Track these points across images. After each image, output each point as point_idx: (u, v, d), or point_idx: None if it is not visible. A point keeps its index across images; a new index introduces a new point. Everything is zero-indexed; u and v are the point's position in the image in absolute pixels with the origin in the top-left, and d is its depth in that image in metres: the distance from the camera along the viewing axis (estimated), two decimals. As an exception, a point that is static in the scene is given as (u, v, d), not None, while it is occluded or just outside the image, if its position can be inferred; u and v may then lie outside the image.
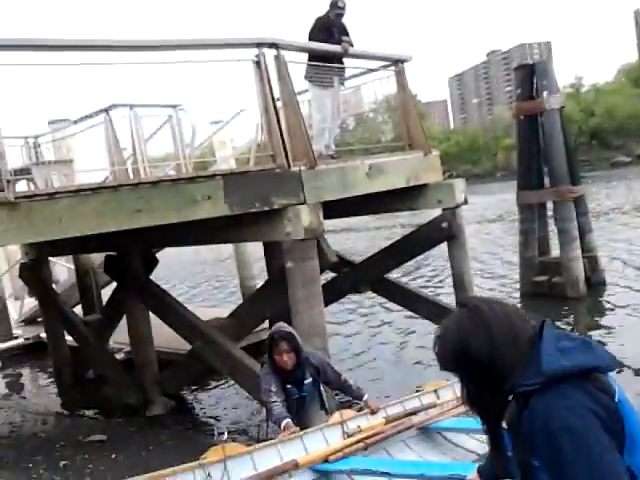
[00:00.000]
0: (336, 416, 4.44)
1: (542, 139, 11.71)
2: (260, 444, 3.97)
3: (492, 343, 1.42)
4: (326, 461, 3.93)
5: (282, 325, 4.63)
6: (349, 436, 4.25)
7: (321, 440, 4.21)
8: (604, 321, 10.04)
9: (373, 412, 4.62)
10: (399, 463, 4.13)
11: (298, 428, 4.19)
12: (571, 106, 55.42)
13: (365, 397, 4.74)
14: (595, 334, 9.36)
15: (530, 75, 11.67)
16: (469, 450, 4.54)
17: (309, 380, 4.60)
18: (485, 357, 1.42)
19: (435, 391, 5.12)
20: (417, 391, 5.26)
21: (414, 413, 4.69)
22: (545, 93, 11.34)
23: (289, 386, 4.55)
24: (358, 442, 4.13)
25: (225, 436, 3.55)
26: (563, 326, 9.75)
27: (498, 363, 1.42)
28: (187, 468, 3.45)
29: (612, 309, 10.49)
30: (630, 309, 10.12)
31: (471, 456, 4.44)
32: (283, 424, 4.22)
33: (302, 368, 4.55)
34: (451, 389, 5.07)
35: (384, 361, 9.09)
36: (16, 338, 12.24)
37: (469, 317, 1.49)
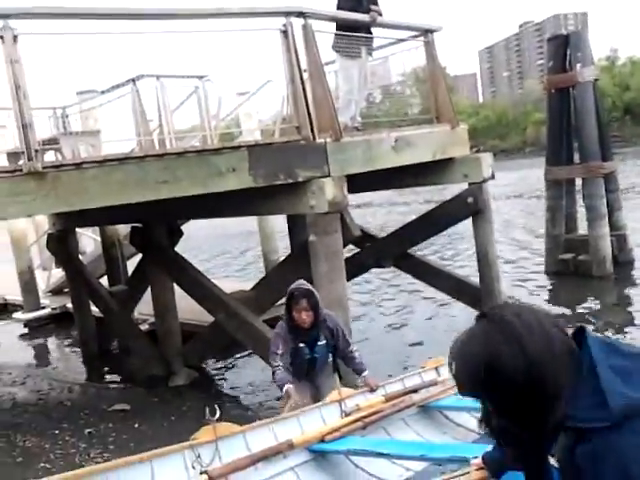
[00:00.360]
0: (334, 394, 4.31)
1: (573, 113, 11.40)
2: (254, 423, 3.87)
3: (527, 360, 1.15)
4: (322, 441, 3.80)
5: (302, 282, 4.57)
6: (347, 415, 4.13)
7: (318, 419, 4.08)
8: (630, 301, 9.87)
9: (372, 390, 4.51)
10: (398, 443, 4.04)
11: (298, 397, 4.14)
12: (605, 80, 53.83)
13: (365, 373, 4.64)
14: (621, 314, 9.25)
15: (564, 46, 11.29)
16: (470, 429, 4.44)
17: (323, 342, 4.55)
18: (521, 377, 1.16)
19: (436, 368, 4.98)
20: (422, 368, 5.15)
21: (414, 391, 4.59)
22: (579, 65, 10.98)
23: (302, 345, 4.50)
24: (356, 421, 4.00)
25: (217, 415, 3.34)
26: (588, 305, 9.65)
27: (538, 385, 1.15)
28: (175, 449, 3.34)
29: (639, 288, 10.30)
30: (658, 289, 9.96)
31: (472, 435, 4.35)
32: (285, 388, 4.20)
33: (318, 328, 4.50)
34: None
35: (393, 336, 9.09)
36: (43, 308, 12.48)
37: (494, 329, 1.21)
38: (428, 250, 15.46)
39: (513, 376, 1.16)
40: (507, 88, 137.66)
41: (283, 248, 11.89)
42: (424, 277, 8.84)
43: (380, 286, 12.21)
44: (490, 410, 1.25)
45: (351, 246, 8.23)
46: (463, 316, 9.07)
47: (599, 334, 1.24)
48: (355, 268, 8.12)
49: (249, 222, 14.91)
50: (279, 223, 11.44)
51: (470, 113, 68.66)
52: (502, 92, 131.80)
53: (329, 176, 5.69)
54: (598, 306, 9.64)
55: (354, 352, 4.66)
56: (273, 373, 4.39)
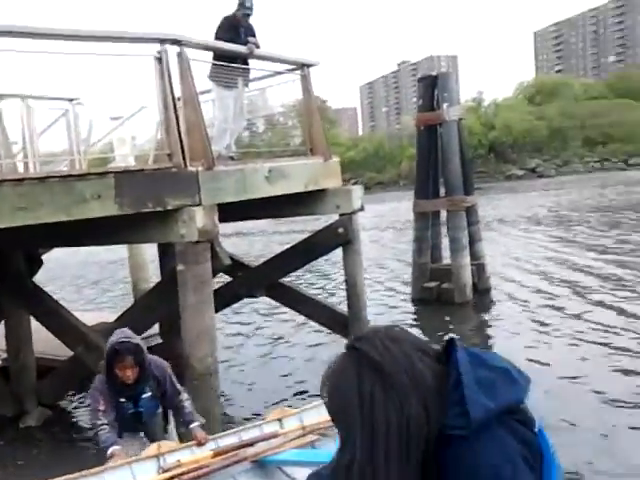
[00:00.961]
0: (152, 448, 3.89)
1: (440, 150, 12.15)
2: None
3: (399, 397, 1.20)
4: None
5: (128, 335, 4.18)
6: (165, 471, 3.67)
7: (128, 476, 3.61)
8: (486, 324, 10.58)
9: (200, 443, 4.04)
10: None
11: (126, 456, 3.86)
12: (472, 119, 57.93)
13: (194, 425, 4.25)
14: (478, 337, 9.89)
15: (432, 86, 12.01)
16: None
17: (148, 394, 4.29)
18: (394, 415, 1.20)
19: (279, 420, 4.47)
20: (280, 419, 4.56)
21: (250, 444, 4.09)
22: (445, 105, 11.74)
23: (122, 399, 4.23)
24: (172, 478, 3.54)
25: None
26: (450, 330, 10.16)
27: (407, 423, 1.19)
28: None
29: (494, 313, 11.06)
30: (509, 313, 10.78)
31: None
32: (109, 452, 3.91)
33: (143, 382, 4.24)
34: (297, 418, 4.44)
35: (259, 370, 8.90)
36: None
37: (365, 368, 1.24)
38: (307, 278, 15.67)
39: (385, 413, 1.19)
40: (385, 123, 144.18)
41: (156, 277, 11.55)
42: (296, 306, 8.89)
43: (258, 315, 12.10)
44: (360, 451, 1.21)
45: (224, 275, 8.17)
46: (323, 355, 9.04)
47: (467, 345, 1.34)
48: (226, 298, 8.05)
49: (121, 250, 14.34)
50: (152, 252, 11.13)
51: (349, 146, 70.83)
52: (381, 126, 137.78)
53: (200, 205, 5.65)
54: (459, 330, 10.23)
55: (184, 401, 4.37)
56: (96, 433, 4.09)
